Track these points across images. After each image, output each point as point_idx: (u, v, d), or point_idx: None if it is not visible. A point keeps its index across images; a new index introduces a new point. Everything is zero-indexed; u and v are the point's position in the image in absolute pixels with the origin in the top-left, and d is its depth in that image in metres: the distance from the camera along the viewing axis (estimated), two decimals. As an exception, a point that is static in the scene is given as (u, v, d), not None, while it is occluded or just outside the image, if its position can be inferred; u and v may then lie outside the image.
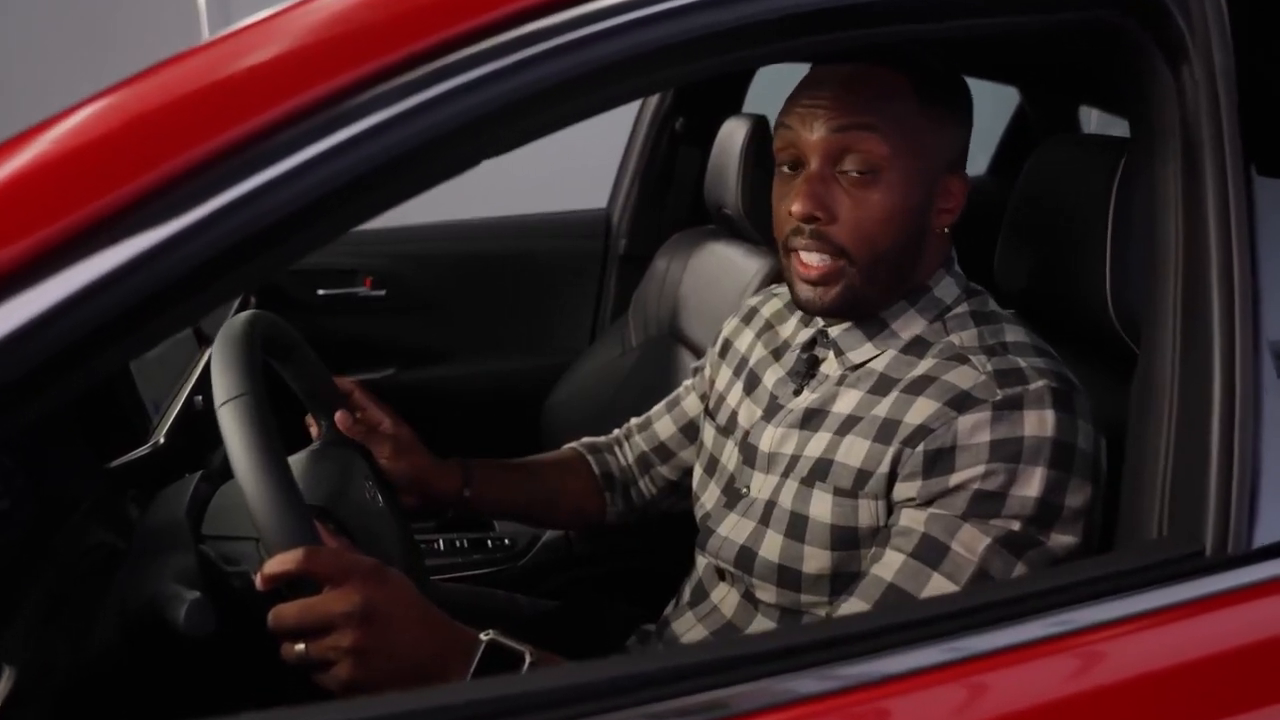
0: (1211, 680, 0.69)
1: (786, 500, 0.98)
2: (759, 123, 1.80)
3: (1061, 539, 0.86)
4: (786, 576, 0.97)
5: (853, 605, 0.90)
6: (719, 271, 1.85)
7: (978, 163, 2.60)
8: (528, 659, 0.80)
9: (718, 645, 0.91)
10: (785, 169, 0.97)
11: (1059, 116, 2.40)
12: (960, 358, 0.93)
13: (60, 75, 3.41)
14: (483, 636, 0.82)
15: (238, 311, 1.26)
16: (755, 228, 1.80)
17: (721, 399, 1.15)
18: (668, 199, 2.24)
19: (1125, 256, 0.98)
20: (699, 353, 1.82)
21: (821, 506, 0.95)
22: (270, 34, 0.64)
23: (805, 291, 0.96)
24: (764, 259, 1.76)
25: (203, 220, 0.58)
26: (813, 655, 0.67)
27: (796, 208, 0.93)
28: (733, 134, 1.82)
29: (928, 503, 0.88)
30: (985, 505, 0.86)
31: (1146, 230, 0.82)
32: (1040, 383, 0.88)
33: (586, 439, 1.32)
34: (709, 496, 1.10)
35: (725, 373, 1.17)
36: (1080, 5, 0.78)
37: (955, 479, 0.87)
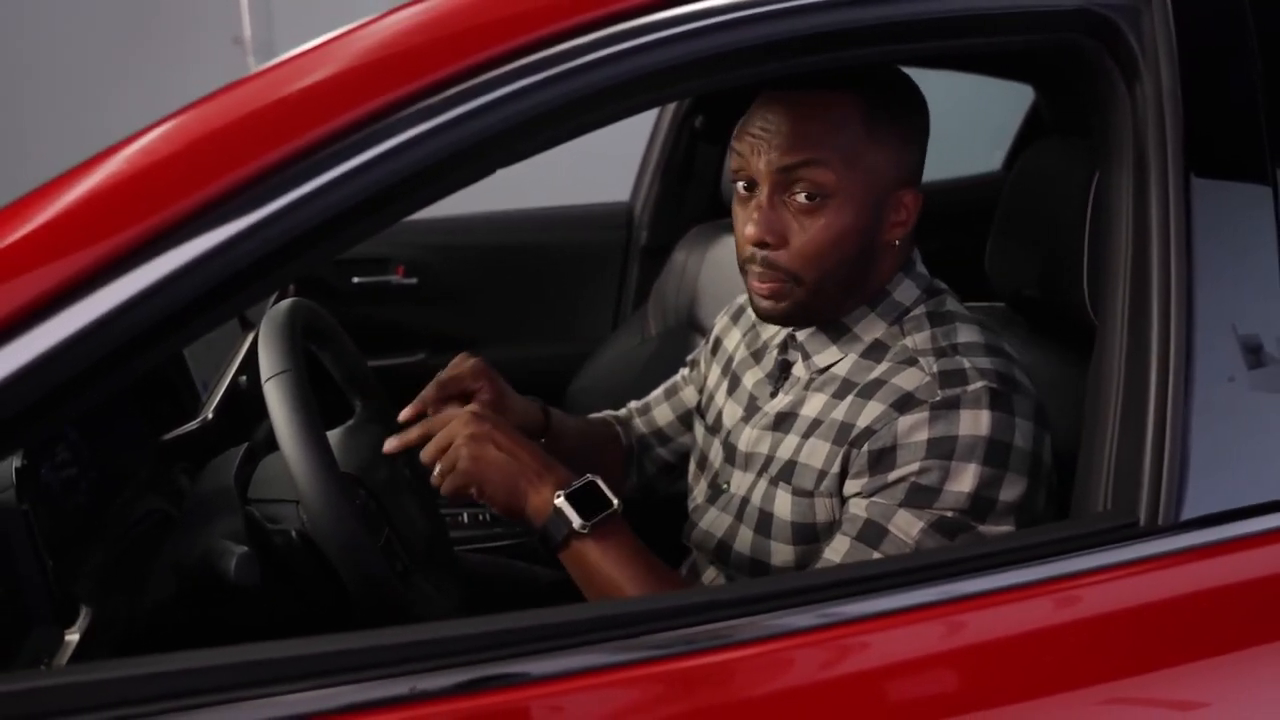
0: (1138, 629, 0.78)
1: (757, 498, 1.04)
2: (773, 121, 1.87)
3: (994, 529, 0.91)
4: (758, 569, 1.03)
5: None
6: (734, 264, 1.91)
7: (994, 158, 2.65)
8: (616, 505, 0.95)
9: (719, 589, 0.99)
10: (741, 188, 1.00)
11: (1073, 114, 2.44)
12: (910, 360, 0.98)
13: (105, 62, 3.53)
14: (587, 476, 0.96)
15: (278, 298, 1.35)
16: (768, 222, 1.87)
17: (711, 397, 1.20)
18: (687, 193, 2.31)
19: (1101, 254, 1.04)
20: (715, 342, 1.90)
21: (784, 505, 1.01)
22: (320, 59, 0.73)
23: (760, 304, 1.00)
24: (776, 252, 1.83)
25: (257, 223, 0.68)
26: (808, 595, 0.76)
27: (749, 232, 0.97)
28: (748, 132, 1.89)
29: (871, 494, 0.94)
30: (920, 496, 0.92)
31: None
32: (979, 384, 0.93)
33: (609, 412, 1.37)
34: (699, 491, 1.16)
35: (715, 371, 1.22)
36: (1050, 28, 0.85)
37: (894, 474, 0.93)
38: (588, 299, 2.37)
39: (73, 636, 0.84)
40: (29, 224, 0.70)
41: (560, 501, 0.93)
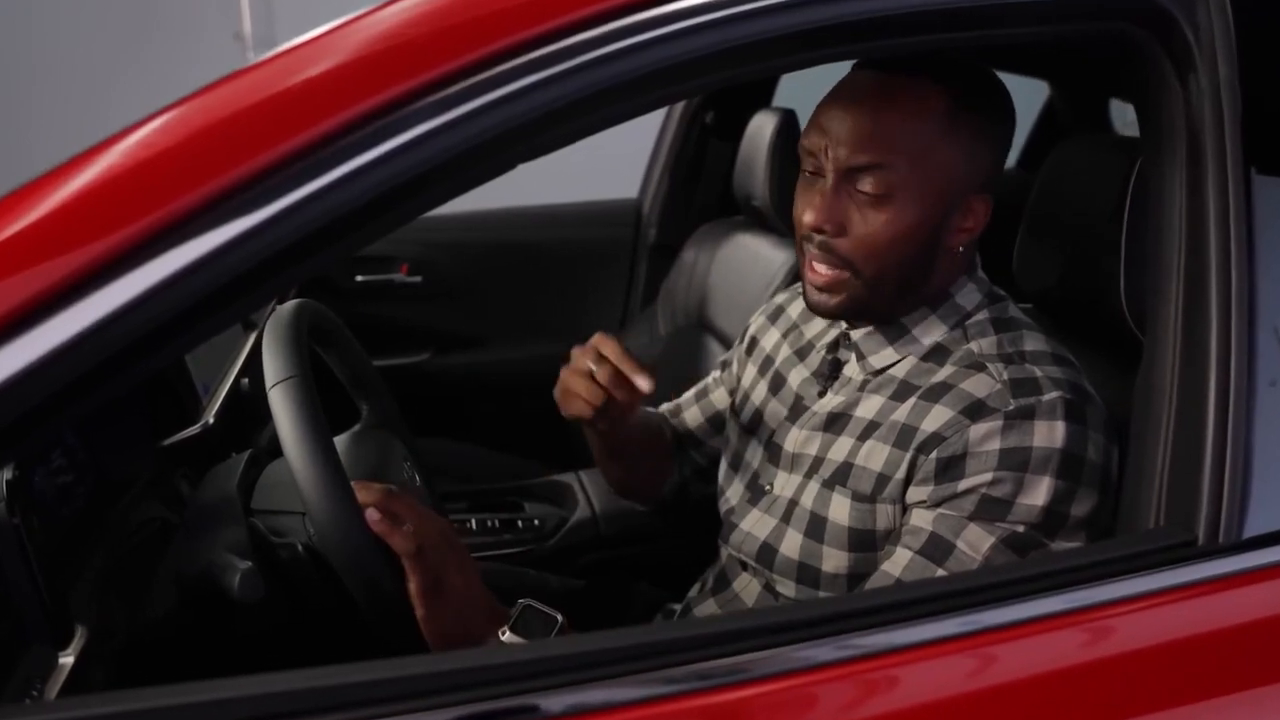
0: (1196, 659, 0.73)
1: (808, 501, 1.01)
2: (788, 117, 1.83)
3: (1066, 545, 0.89)
4: (806, 574, 1.00)
5: None
6: (746, 263, 1.89)
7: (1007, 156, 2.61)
8: (559, 620, 0.88)
9: (738, 617, 0.95)
10: (807, 172, 0.99)
11: (1088, 110, 2.41)
12: (978, 365, 0.95)
13: (104, 57, 3.49)
14: (520, 602, 0.90)
15: (282, 298, 1.32)
16: (783, 220, 1.83)
17: (746, 397, 1.17)
18: (697, 190, 2.28)
19: (1139, 254, 1.00)
20: (727, 342, 1.86)
21: (840, 509, 0.98)
22: (323, 50, 0.69)
23: (813, 295, 0.99)
24: (791, 251, 1.79)
25: (261, 224, 0.64)
26: (829, 626, 0.72)
27: (808, 218, 0.95)
28: (762, 128, 1.85)
29: (937, 504, 0.91)
30: (992, 509, 0.89)
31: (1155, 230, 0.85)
32: (1054, 394, 0.90)
33: (647, 409, 1.33)
34: (733, 492, 1.14)
35: (750, 370, 1.19)
36: (1098, 16, 0.81)
37: (964, 484, 0.90)
38: (595, 297, 2.34)
39: (67, 659, 0.80)
40: (20, 221, 0.65)
41: (508, 638, 0.88)
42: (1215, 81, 0.78)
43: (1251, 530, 0.74)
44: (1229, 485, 0.74)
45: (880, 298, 0.98)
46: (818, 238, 0.96)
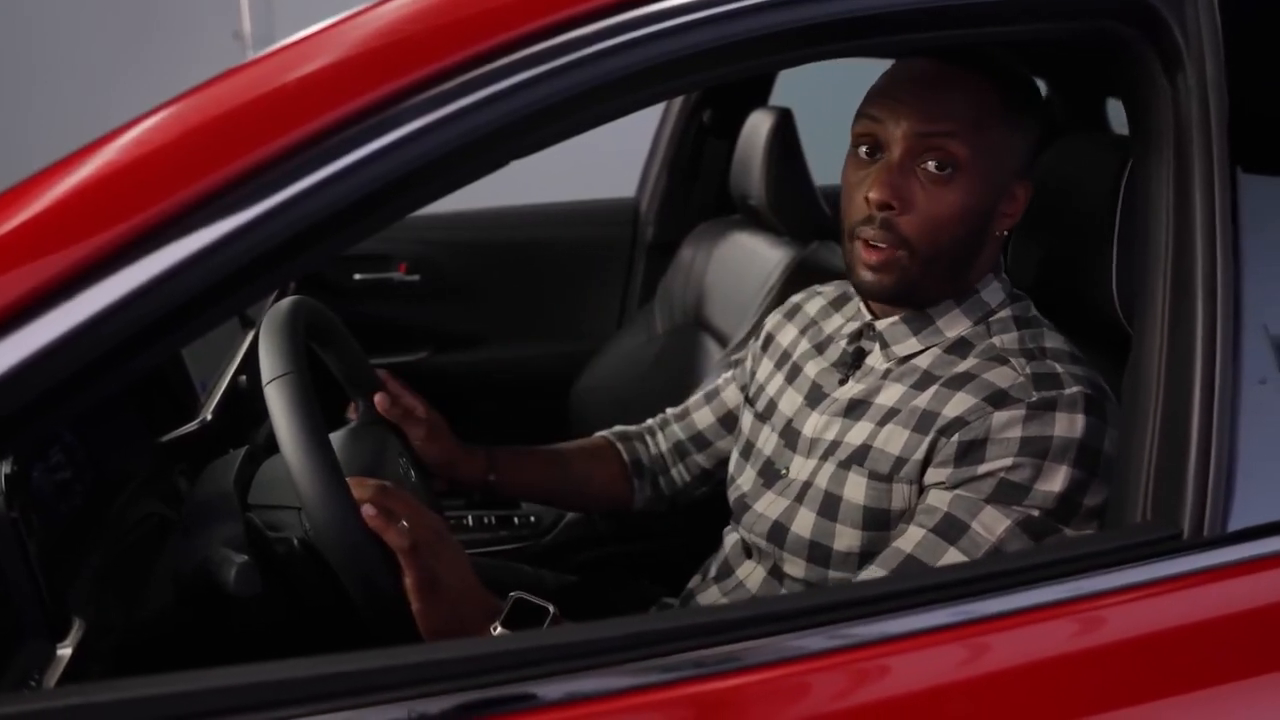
0: (1182, 651, 0.74)
1: (823, 481, 1.02)
2: (784, 116, 1.84)
3: (1077, 534, 0.90)
4: (817, 552, 1.01)
5: (871, 574, 0.95)
6: (743, 261, 1.89)
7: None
8: (551, 611, 0.89)
9: (732, 607, 0.96)
10: (862, 153, 0.99)
11: (1085, 109, 2.41)
12: (1000, 359, 0.97)
13: (104, 57, 3.50)
14: (511, 595, 0.91)
15: (278, 296, 1.32)
16: (779, 219, 1.84)
17: (762, 389, 1.19)
18: (694, 189, 2.28)
19: (1131, 252, 1.01)
20: (724, 341, 1.87)
21: (856, 488, 0.99)
22: (317, 47, 0.70)
23: (865, 275, 0.99)
24: (787, 249, 1.80)
25: (256, 219, 0.65)
26: (823, 615, 0.72)
27: (874, 194, 0.96)
28: (758, 127, 1.86)
29: (955, 486, 0.93)
30: (1009, 493, 0.91)
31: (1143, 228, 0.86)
32: (1075, 388, 0.93)
33: (618, 428, 1.36)
34: (745, 479, 1.15)
35: (766, 365, 1.21)
36: (1089, 15, 0.82)
37: (984, 468, 0.92)
38: (593, 296, 2.34)
39: (65, 651, 0.81)
40: (18, 216, 0.66)
41: (499, 633, 0.90)
42: (1203, 80, 0.79)
43: (1236, 524, 0.75)
44: (1214, 480, 0.75)
45: (931, 278, 0.99)
46: (879, 215, 0.97)
